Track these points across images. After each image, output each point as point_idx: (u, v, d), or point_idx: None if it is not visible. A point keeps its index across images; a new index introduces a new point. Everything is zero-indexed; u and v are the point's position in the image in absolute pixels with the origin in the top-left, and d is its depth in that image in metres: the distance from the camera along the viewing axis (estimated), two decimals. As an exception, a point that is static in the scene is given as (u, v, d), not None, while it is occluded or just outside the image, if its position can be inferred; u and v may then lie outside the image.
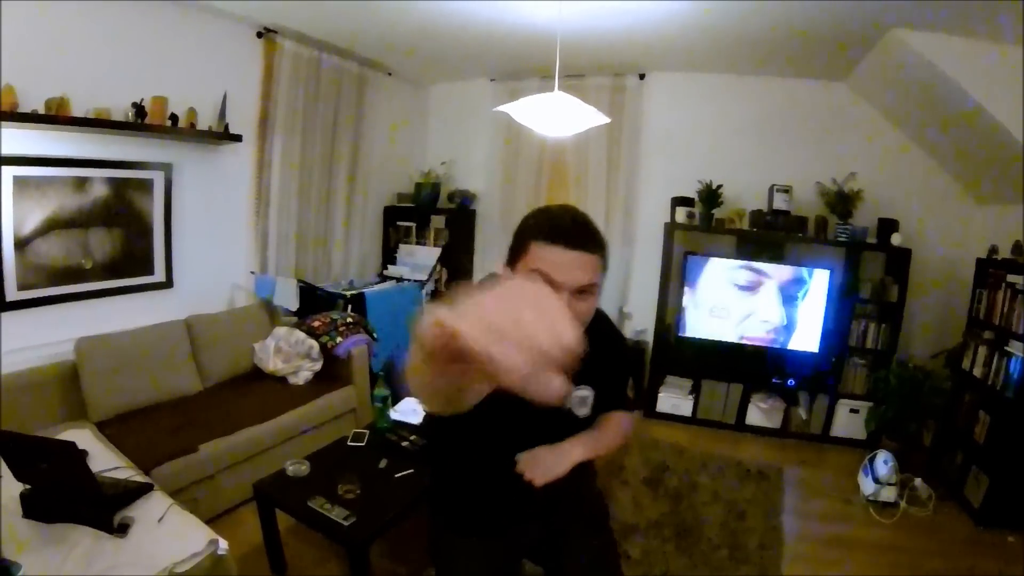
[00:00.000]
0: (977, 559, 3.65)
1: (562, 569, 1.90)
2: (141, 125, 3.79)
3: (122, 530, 2.32)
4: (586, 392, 1.60)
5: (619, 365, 1.70)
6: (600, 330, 1.52)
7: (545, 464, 1.48)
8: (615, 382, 1.66)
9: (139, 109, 3.77)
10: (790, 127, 5.54)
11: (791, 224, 5.23)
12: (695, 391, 5.53)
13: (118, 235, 3.97)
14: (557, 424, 1.55)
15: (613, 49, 4.99)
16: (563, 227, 1.32)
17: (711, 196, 5.33)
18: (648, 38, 4.65)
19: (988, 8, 3.42)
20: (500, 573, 1.84)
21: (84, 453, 2.59)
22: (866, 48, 4.40)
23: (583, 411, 1.60)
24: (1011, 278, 4.14)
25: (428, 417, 1.55)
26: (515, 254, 1.37)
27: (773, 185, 5.30)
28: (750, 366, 5.34)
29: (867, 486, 4.27)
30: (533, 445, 1.50)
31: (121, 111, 3.72)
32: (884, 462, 4.22)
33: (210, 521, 3.07)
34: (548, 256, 1.29)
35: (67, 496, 2.40)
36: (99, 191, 3.81)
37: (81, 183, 3.70)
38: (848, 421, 5.23)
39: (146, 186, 4.08)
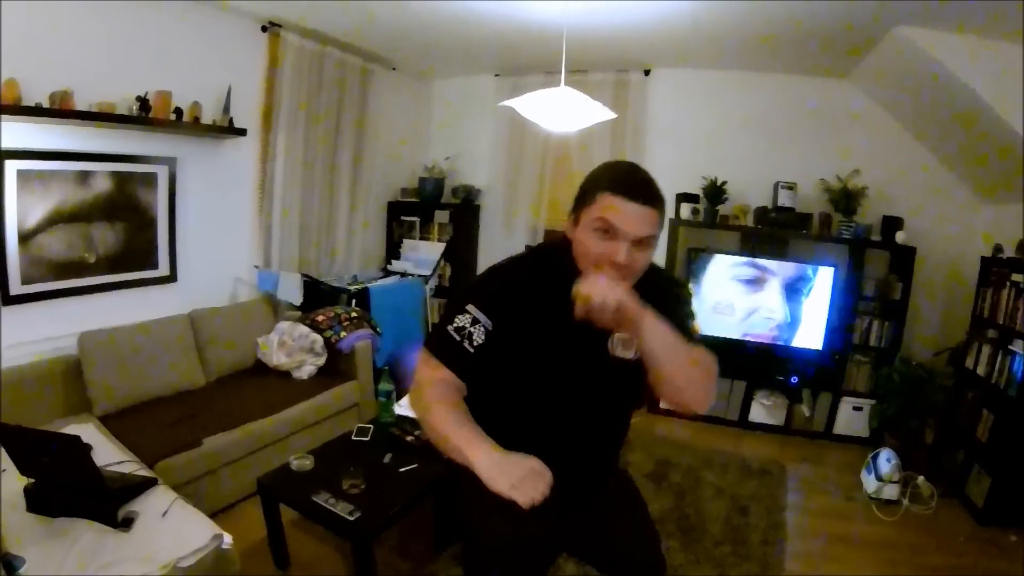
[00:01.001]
0: (978, 557, 3.66)
1: (608, 554, 1.87)
2: (145, 119, 3.78)
3: (126, 524, 2.32)
4: (628, 334, 1.48)
5: (679, 312, 1.58)
6: (652, 282, 1.50)
7: (602, 285, 1.31)
8: (678, 326, 1.45)
9: (143, 103, 3.76)
10: (794, 124, 5.52)
11: (795, 221, 5.23)
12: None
13: (122, 229, 3.96)
14: (604, 370, 1.51)
15: (618, 45, 4.98)
16: (630, 181, 1.39)
17: (715, 192, 5.32)
18: (653, 34, 4.63)
19: (993, 5, 3.41)
20: (533, 552, 1.78)
21: (88, 447, 2.60)
22: (871, 45, 4.38)
23: (627, 353, 1.50)
24: (1015, 277, 4.13)
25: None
26: (581, 204, 1.44)
27: (778, 182, 5.30)
28: (753, 363, 5.34)
29: (869, 483, 4.27)
30: (581, 397, 1.47)
31: (125, 105, 3.71)
32: (887, 459, 4.22)
33: (214, 515, 3.09)
34: (615, 206, 1.35)
35: (71, 490, 2.40)
36: (103, 185, 3.80)
37: (84, 177, 3.69)
38: (851, 418, 5.23)
39: (150, 180, 4.07)
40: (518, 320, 1.42)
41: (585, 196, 1.43)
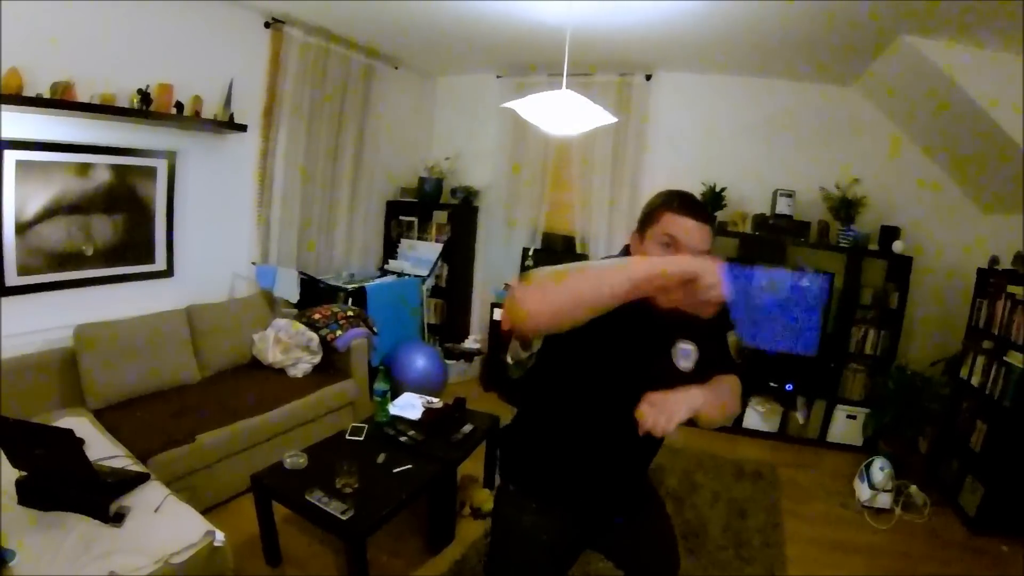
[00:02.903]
0: (971, 566, 3.68)
1: (630, 551, 2.00)
2: (146, 112, 3.77)
3: (118, 519, 2.31)
4: (689, 346, 1.70)
5: (722, 330, 1.75)
6: None
7: (668, 408, 1.40)
8: (720, 345, 1.72)
9: (144, 96, 3.75)
10: (795, 130, 5.53)
11: (794, 229, 5.23)
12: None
13: (120, 222, 3.96)
14: (661, 378, 1.55)
15: (621, 47, 4.98)
16: (692, 202, 1.60)
17: (714, 199, 5.32)
18: (656, 37, 4.64)
19: (999, 18, 3.42)
20: (549, 547, 1.86)
21: (81, 441, 2.59)
22: (876, 53, 4.39)
23: (686, 364, 1.67)
24: (1011, 288, 4.15)
25: (529, 372, 1.56)
26: (647, 222, 1.63)
27: (777, 189, 5.31)
28: (749, 369, 5.30)
29: (863, 491, 4.27)
30: (636, 401, 1.46)
31: (126, 97, 3.70)
32: (880, 468, 4.23)
33: (207, 511, 3.08)
34: (680, 223, 1.55)
35: (63, 484, 2.39)
36: (102, 177, 3.79)
37: (84, 168, 3.69)
38: (845, 426, 5.24)
39: (149, 173, 4.07)
40: (590, 325, 1.41)
41: (651, 215, 1.62)
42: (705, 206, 1.65)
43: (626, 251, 1.74)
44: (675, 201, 1.60)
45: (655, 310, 1.56)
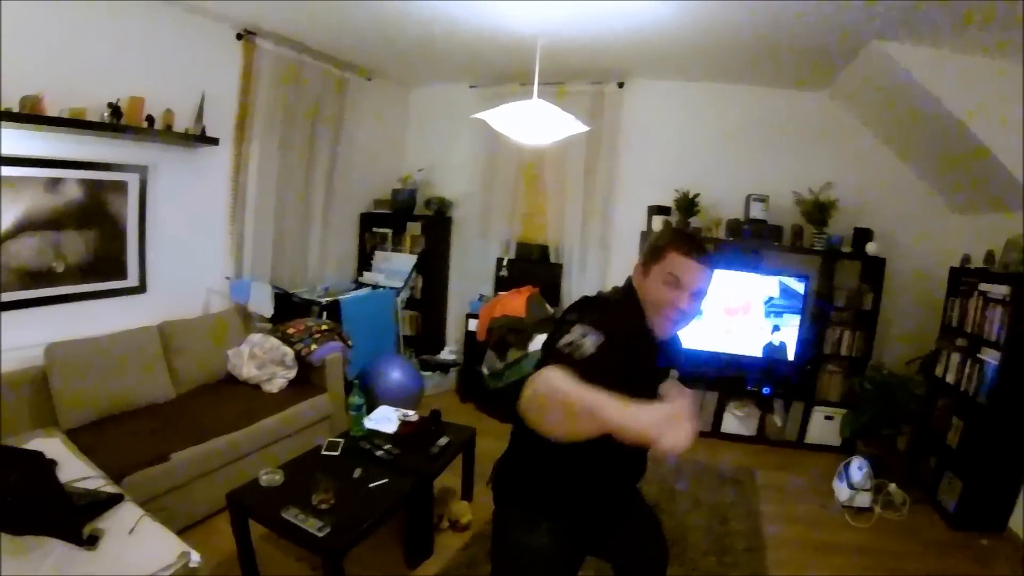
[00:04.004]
0: (951, 561, 3.72)
1: (623, 555, 2.11)
2: (117, 126, 3.73)
3: (92, 542, 2.27)
4: (676, 373, 1.94)
5: (681, 355, 2.01)
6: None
7: (678, 426, 1.23)
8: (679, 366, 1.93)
9: (115, 109, 3.71)
10: (768, 136, 5.59)
11: (768, 233, 5.27)
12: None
13: (91, 238, 3.90)
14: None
15: (593, 56, 4.99)
16: (697, 245, 1.72)
17: (688, 205, 5.36)
18: (628, 45, 4.65)
19: (964, 21, 3.48)
20: (561, 564, 1.93)
21: (53, 463, 2.55)
22: (847, 59, 4.44)
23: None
24: (983, 286, 4.21)
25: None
26: (652, 259, 1.75)
27: (750, 194, 5.35)
28: (726, 374, 5.36)
29: (842, 492, 4.31)
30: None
31: (97, 111, 3.65)
32: (858, 468, 4.26)
33: (184, 530, 3.06)
34: (684, 265, 1.68)
35: (35, 507, 2.34)
36: (72, 192, 3.74)
37: (54, 184, 3.63)
38: (823, 427, 5.29)
39: (121, 188, 4.02)
40: (608, 350, 1.54)
41: (656, 252, 1.74)
42: (707, 248, 1.75)
43: (629, 284, 1.84)
44: (681, 242, 1.72)
45: (651, 343, 1.76)
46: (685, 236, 1.77)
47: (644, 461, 2.00)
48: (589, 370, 1.41)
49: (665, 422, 1.18)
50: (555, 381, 1.35)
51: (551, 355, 1.55)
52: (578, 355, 1.50)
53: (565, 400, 1.30)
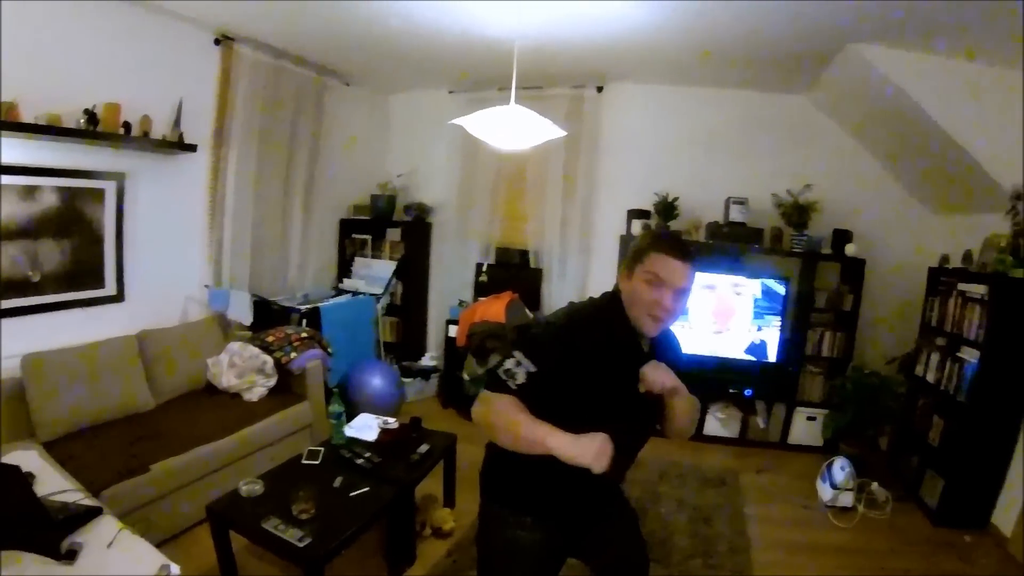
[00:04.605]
0: (935, 559, 3.75)
1: (602, 560, 2.15)
2: (93, 132, 3.69)
3: (70, 556, 2.23)
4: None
5: (677, 361, 1.92)
6: (667, 334, 1.96)
7: (663, 370, 1.72)
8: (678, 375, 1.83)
9: (91, 116, 3.67)
10: (747, 139, 5.62)
11: (747, 235, 5.29)
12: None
13: (68, 246, 3.86)
14: (634, 401, 1.79)
15: (572, 60, 5.00)
16: (677, 244, 1.78)
17: (667, 208, 5.38)
18: (607, 50, 4.66)
19: (941, 25, 3.53)
20: (546, 559, 2.00)
21: (30, 476, 2.51)
22: (825, 62, 4.47)
23: (643, 387, 1.79)
24: (962, 286, 4.25)
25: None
26: (634, 261, 1.80)
27: (729, 197, 5.38)
28: (707, 376, 5.36)
29: (825, 492, 4.33)
30: (615, 423, 1.65)
31: (73, 117, 3.61)
32: (841, 468, 4.29)
33: (164, 543, 3.03)
34: (663, 263, 1.73)
35: (11, 522, 2.31)
36: (49, 200, 3.69)
37: (30, 191, 3.58)
38: (805, 428, 5.31)
39: (98, 196, 3.97)
40: (572, 366, 1.71)
41: (638, 254, 1.80)
42: (688, 247, 1.80)
43: (615, 289, 1.89)
44: (661, 242, 1.79)
45: (637, 350, 1.83)
46: (665, 236, 1.85)
47: (625, 460, 2.01)
48: (526, 392, 1.66)
49: (583, 451, 1.51)
50: (498, 414, 1.65)
51: (493, 380, 1.73)
52: (513, 384, 1.68)
53: (507, 430, 1.64)
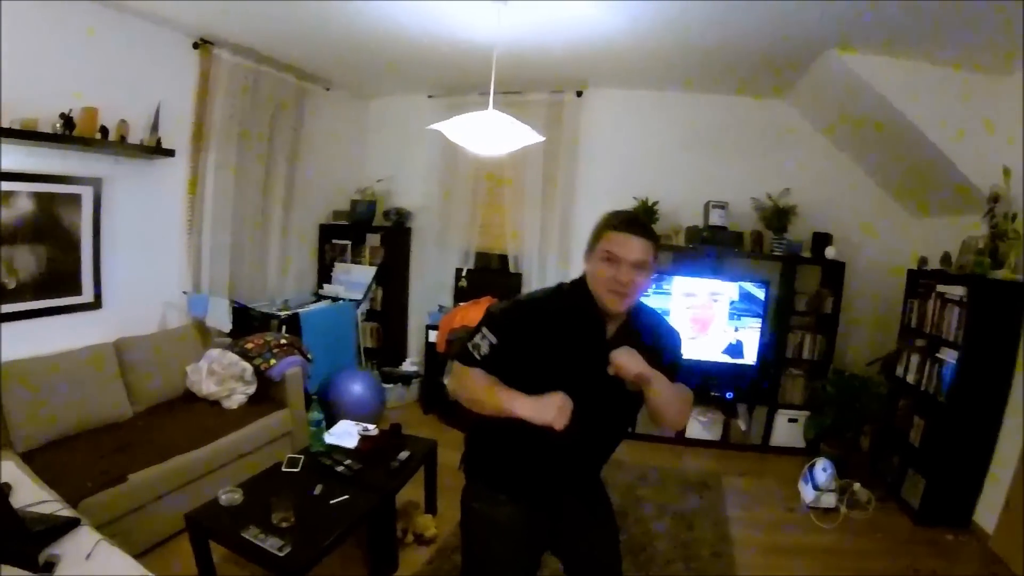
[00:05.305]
0: (917, 557, 3.77)
1: (572, 556, 2.17)
2: (70, 137, 3.65)
3: (47, 568, 2.20)
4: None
5: (667, 351, 1.99)
6: (647, 320, 2.00)
7: (632, 354, 1.74)
8: (667, 366, 1.87)
9: (68, 120, 3.62)
10: (727, 143, 5.65)
11: (727, 239, 5.32)
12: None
13: (44, 253, 3.81)
14: (601, 382, 1.80)
15: (552, 65, 5.01)
16: (627, 219, 1.83)
17: (647, 213, 5.39)
18: (586, 55, 4.67)
19: (917, 31, 3.58)
20: (524, 536, 2.04)
21: (6, 487, 2.48)
22: (803, 67, 4.50)
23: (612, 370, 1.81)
24: (940, 288, 4.30)
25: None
26: (593, 242, 1.87)
27: (709, 201, 5.40)
28: (688, 380, 5.33)
29: (807, 493, 4.35)
30: (584, 411, 1.75)
31: (49, 122, 3.56)
32: (823, 469, 4.31)
33: (144, 553, 3.00)
34: (616, 239, 1.79)
35: (-13, 534, 2.28)
36: (24, 206, 3.64)
37: (5, 197, 3.53)
38: (787, 430, 5.34)
39: (74, 201, 3.93)
40: (532, 339, 1.84)
41: (595, 235, 1.87)
42: (644, 223, 1.86)
43: (582, 275, 1.93)
44: (614, 220, 1.84)
45: (599, 330, 1.87)
46: (618, 214, 1.88)
47: (597, 447, 2.08)
48: (490, 363, 1.83)
49: (543, 409, 1.66)
50: (466, 384, 1.84)
51: (463, 354, 1.90)
52: (478, 355, 1.85)
53: (475, 398, 1.81)
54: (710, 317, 5.28)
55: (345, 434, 3.76)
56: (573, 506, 2.09)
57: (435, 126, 3.72)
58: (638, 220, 1.88)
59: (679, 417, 1.94)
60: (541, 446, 1.87)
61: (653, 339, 1.94)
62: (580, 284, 1.91)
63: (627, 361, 1.72)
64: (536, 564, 2.13)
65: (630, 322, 1.92)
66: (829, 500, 4.27)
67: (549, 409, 1.66)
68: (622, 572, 2.24)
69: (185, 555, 2.96)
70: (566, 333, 1.85)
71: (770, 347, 5.29)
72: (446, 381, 5.36)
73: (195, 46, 4.55)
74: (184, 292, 4.71)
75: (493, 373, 1.82)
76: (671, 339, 2.07)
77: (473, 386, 1.82)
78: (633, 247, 1.77)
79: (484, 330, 1.88)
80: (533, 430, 1.76)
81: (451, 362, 5.30)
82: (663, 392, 1.79)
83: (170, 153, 4.31)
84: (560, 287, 2.01)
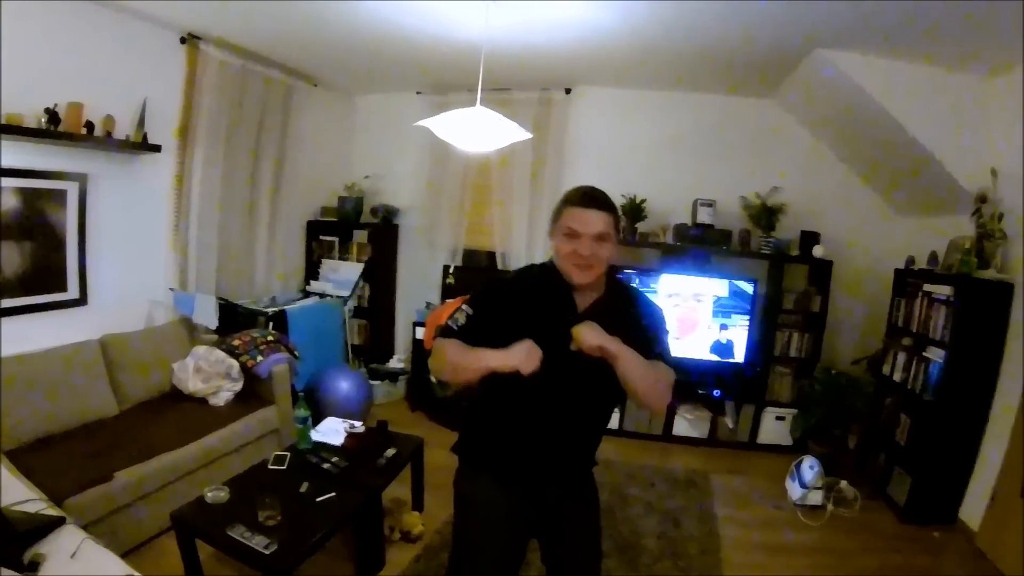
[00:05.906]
0: (904, 555, 3.79)
1: (553, 544, 2.18)
2: (55, 132, 3.62)
3: (32, 568, 2.18)
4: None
5: (646, 328, 2.01)
6: (623, 295, 2.07)
7: (596, 329, 1.77)
8: (645, 343, 1.91)
9: (52, 115, 3.59)
10: (715, 142, 5.67)
11: (715, 237, 5.34)
12: (621, 403, 5.55)
13: (28, 249, 3.77)
14: (578, 368, 1.85)
15: (540, 63, 5.00)
16: (587, 195, 1.90)
17: (635, 210, 5.39)
18: (574, 53, 4.67)
19: (904, 30, 3.59)
20: (506, 518, 2.05)
21: (-11, 487, 2.46)
22: (791, 66, 4.52)
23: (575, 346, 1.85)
24: (927, 287, 4.32)
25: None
26: (555, 219, 1.95)
27: (697, 199, 5.41)
28: (676, 377, 5.34)
29: (794, 491, 4.37)
30: (560, 388, 1.88)
31: (34, 117, 3.53)
32: (809, 467, 4.33)
33: (130, 552, 2.98)
34: (575, 214, 1.87)
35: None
36: (8, 202, 3.61)
37: (-12, 193, 3.50)
38: (774, 428, 5.36)
39: (59, 197, 3.89)
40: (505, 311, 1.93)
41: (556, 214, 1.95)
42: (601, 196, 1.93)
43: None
44: (573, 196, 1.92)
45: (568, 303, 1.93)
46: (577, 190, 1.95)
47: (580, 433, 2.09)
48: (466, 333, 1.92)
49: (512, 355, 1.74)
50: (443, 354, 1.89)
51: (444, 330, 1.98)
52: (456, 326, 1.95)
53: (453, 364, 1.87)
54: (697, 315, 5.29)
55: (332, 431, 3.74)
56: (558, 501, 2.09)
57: (423, 123, 3.71)
58: (595, 194, 1.93)
59: (652, 394, 1.90)
60: (523, 427, 1.97)
61: (631, 315, 1.99)
62: (550, 262, 2.00)
63: (587, 334, 1.76)
64: (521, 549, 2.13)
65: (608, 298, 1.98)
66: (816, 498, 4.29)
67: (517, 354, 1.74)
68: (600, 573, 2.25)
69: (171, 554, 2.95)
70: (537, 306, 1.93)
71: (758, 345, 5.31)
72: (433, 378, 5.36)
73: (182, 41, 4.52)
74: (171, 289, 4.68)
75: (470, 342, 1.89)
76: (651, 316, 2.08)
77: (450, 353, 1.88)
78: (592, 221, 1.85)
79: (463, 306, 1.99)
80: (515, 407, 1.93)
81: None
82: (631, 367, 1.79)
83: (156, 149, 4.28)
84: (532, 265, 2.13)
